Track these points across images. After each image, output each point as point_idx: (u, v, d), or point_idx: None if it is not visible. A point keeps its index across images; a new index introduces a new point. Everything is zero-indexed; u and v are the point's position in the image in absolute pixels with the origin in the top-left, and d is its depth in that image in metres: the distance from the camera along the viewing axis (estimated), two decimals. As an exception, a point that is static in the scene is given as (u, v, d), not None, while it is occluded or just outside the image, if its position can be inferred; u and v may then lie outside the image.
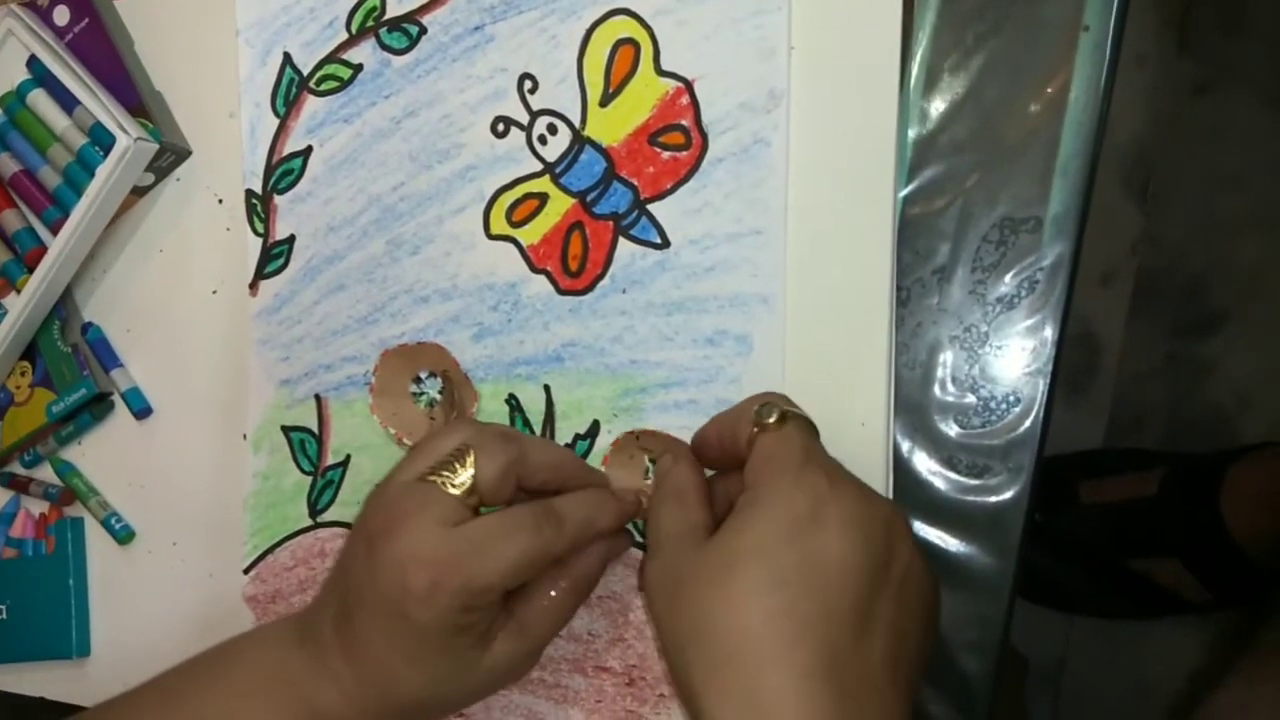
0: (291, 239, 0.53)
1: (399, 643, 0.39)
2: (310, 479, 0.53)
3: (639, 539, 0.46)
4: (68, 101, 0.55)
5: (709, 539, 0.38)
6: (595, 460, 0.47)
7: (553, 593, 0.42)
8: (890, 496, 0.43)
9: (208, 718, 0.42)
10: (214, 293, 0.56)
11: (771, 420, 0.39)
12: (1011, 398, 0.43)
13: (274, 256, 0.53)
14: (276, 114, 0.53)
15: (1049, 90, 0.42)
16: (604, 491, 0.44)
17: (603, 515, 0.43)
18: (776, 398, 0.41)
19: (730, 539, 0.37)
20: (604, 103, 0.46)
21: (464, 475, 0.40)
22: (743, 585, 0.36)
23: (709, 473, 0.44)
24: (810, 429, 0.40)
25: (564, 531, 0.41)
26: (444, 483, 0.40)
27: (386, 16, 0.50)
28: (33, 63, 0.56)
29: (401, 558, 0.38)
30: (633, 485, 0.46)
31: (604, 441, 0.47)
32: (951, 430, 0.44)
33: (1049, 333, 0.42)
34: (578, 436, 0.47)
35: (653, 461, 0.46)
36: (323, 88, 0.52)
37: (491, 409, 0.49)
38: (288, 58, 0.52)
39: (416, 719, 0.42)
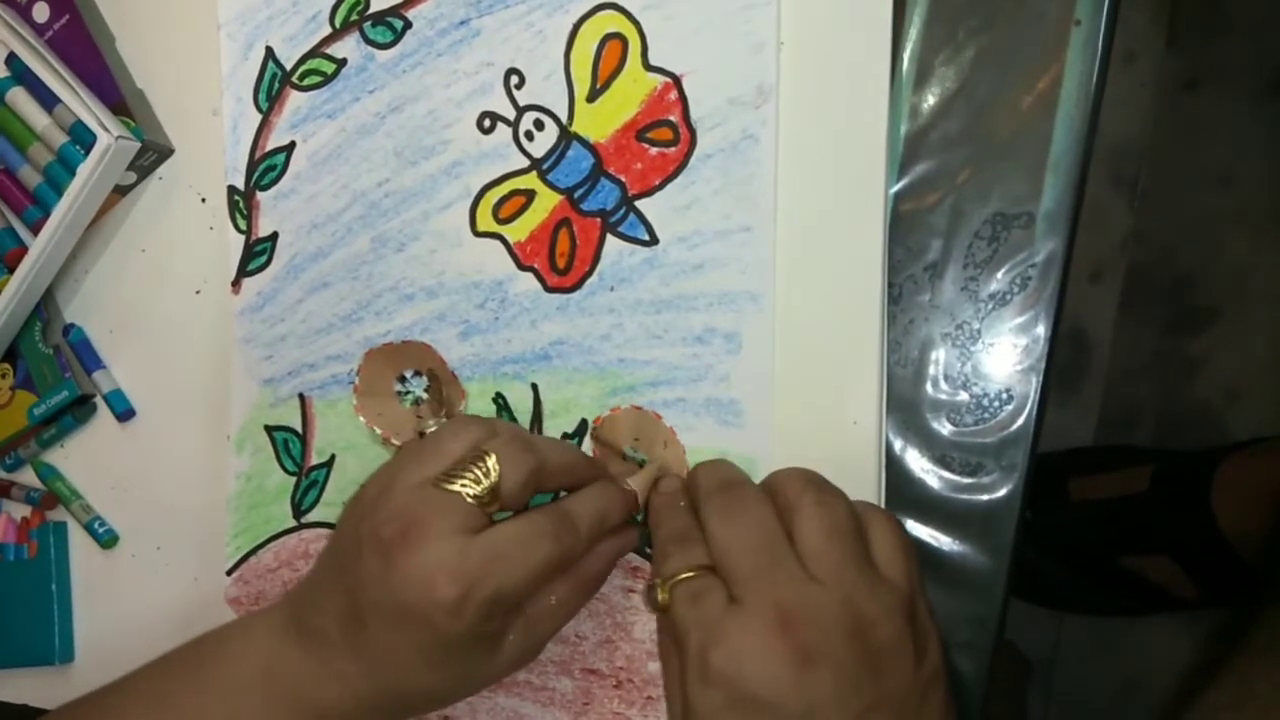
0: (274, 236, 0.52)
1: (420, 650, 0.39)
2: (294, 479, 0.53)
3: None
4: (48, 99, 0.54)
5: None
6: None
7: (553, 599, 0.42)
8: (883, 495, 0.43)
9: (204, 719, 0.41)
10: (197, 293, 0.55)
11: (660, 599, 0.40)
12: (1004, 395, 0.43)
13: (257, 254, 0.53)
14: (259, 109, 0.52)
15: (1041, 85, 0.42)
16: (610, 486, 0.44)
17: (613, 511, 0.42)
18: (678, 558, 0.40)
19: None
20: (591, 98, 0.46)
21: (486, 483, 0.39)
22: None
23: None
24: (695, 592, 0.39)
25: (580, 534, 0.40)
26: (464, 489, 0.39)
27: (370, 10, 0.50)
28: (12, 60, 0.55)
29: (429, 569, 0.37)
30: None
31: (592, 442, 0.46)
32: (944, 428, 0.43)
33: (1041, 329, 0.42)
34: (565, 436, 0.47)
35: (634, 451, 0.46)
36: (306, 82, 0.51)
37: (478, 408, 0.48)
38: (270, 52, 0.52)
39: (418, 710, 0.42)
